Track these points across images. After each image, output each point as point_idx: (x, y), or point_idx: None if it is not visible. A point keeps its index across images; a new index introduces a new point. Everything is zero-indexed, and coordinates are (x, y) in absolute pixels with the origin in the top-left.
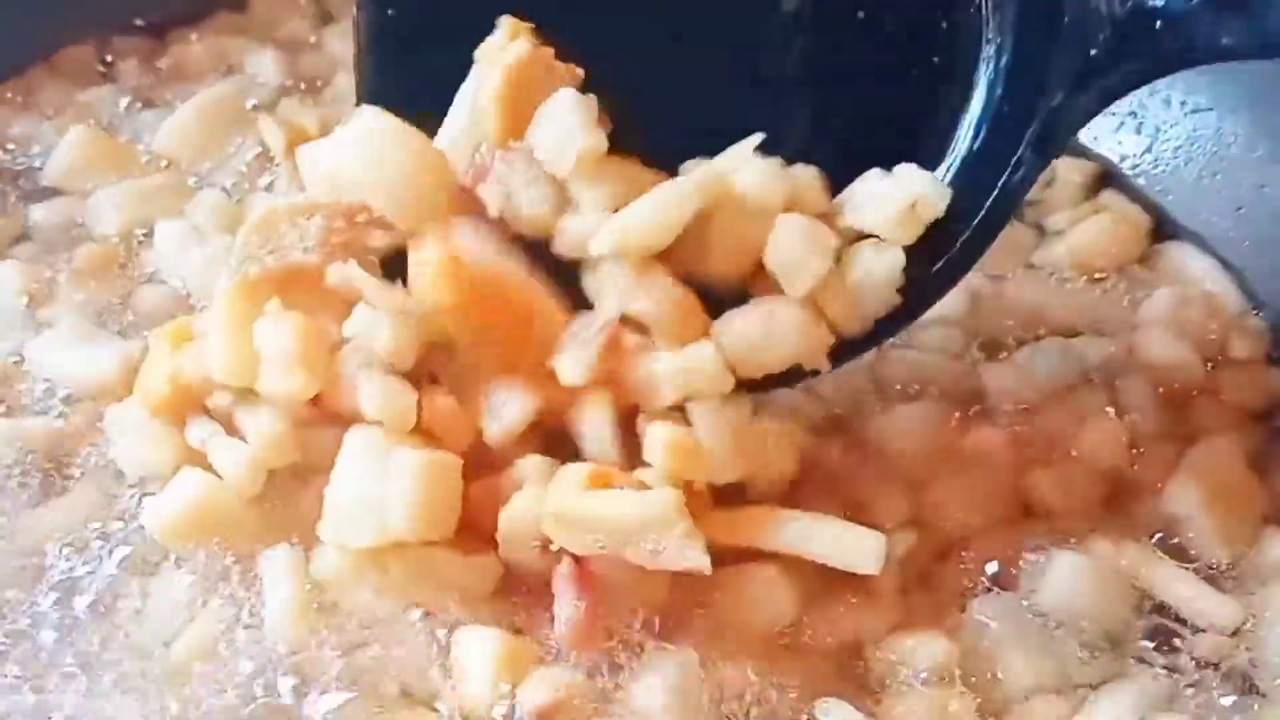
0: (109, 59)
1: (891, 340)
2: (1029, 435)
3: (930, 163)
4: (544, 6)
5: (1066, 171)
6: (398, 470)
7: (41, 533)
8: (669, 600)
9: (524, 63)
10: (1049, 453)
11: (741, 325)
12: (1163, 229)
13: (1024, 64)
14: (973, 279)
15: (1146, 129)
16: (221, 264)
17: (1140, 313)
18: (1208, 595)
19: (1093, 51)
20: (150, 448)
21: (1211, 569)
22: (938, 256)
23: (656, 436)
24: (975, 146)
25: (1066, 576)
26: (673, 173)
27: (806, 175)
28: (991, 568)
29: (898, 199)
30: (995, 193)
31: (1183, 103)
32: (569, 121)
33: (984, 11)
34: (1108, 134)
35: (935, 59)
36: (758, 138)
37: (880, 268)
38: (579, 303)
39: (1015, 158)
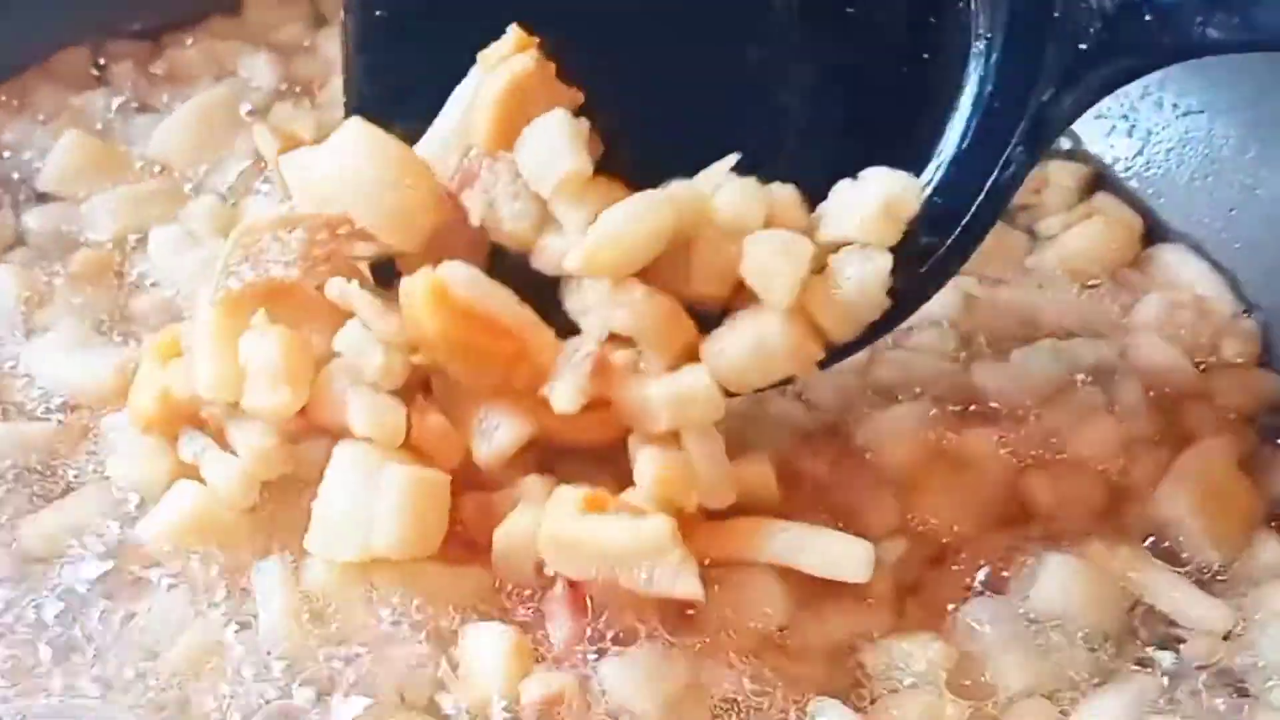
0: (103, 63)
1: (884, 343)
2: (1022, 438)
3: (920, 161)
4: (535, 18)
5: (1058, 175)
6: (386, 487)
7: (36, 539)
8: (663, 601)
9: (527, 74)
10: (1042, 456)
11: (732, 345)
12: (1155, 232)
13: (1014, 59)
14: (966, 282)
15: (1138, 132)
16: (210, 263)
17: (1132, 316)
18: (1199, 599)
19: (1083, 46)
20: (143, 464)
21: (1203, 572)
22: (928, 255)
23: (647, 464)
24: (965, 143)
25: (1058, 580)
26: None
27: (784, 193)
28: (984, 571)
29: (870, 202)
30: (986, 189)
31: (1174, 105)
32: (556, 142)
33: (973, 7)
34: (1100, 137)
35: (924, 55)
36: (734, 158)
37: (868, 272)
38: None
39: (1006, 154)
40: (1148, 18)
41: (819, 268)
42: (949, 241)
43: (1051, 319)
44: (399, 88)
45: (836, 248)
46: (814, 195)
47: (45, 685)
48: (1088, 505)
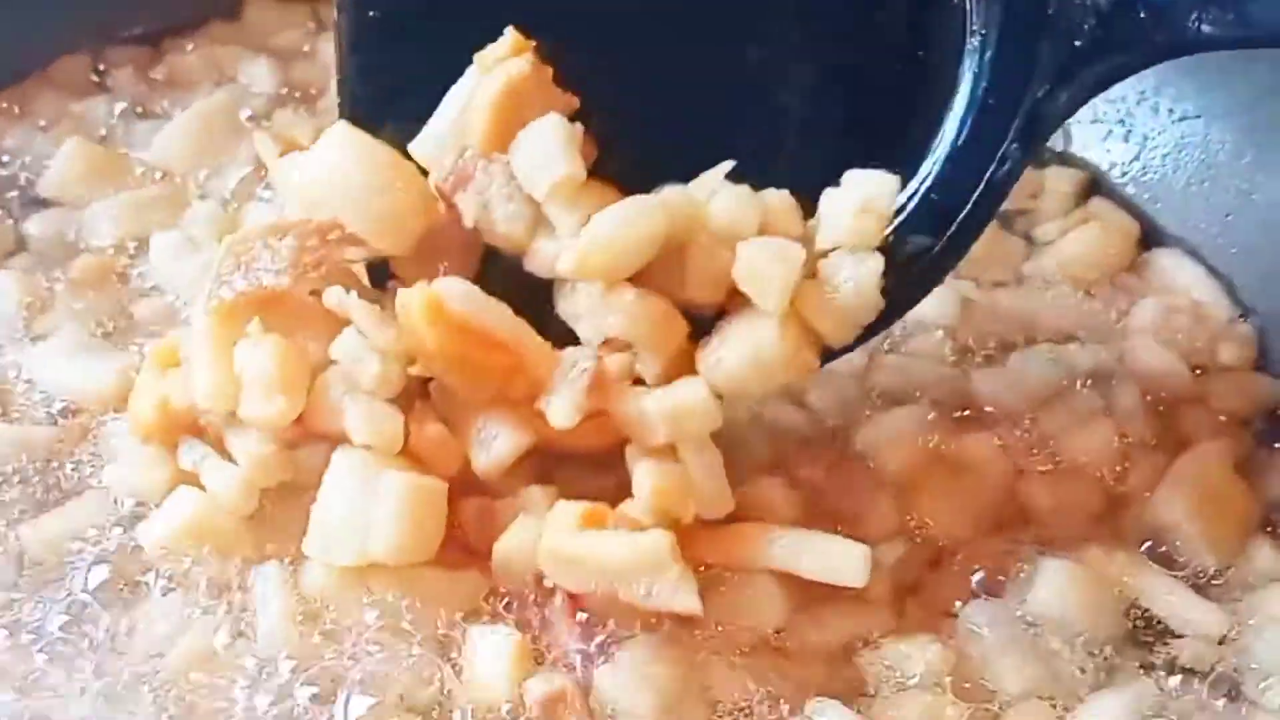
0: (103, 69)
1: (882, 348)
2: (1019, 443)
3: (915, 158)
4: (530, 20)
5: (1055, 181)
6: (384, 493)
7: (37, 544)
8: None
9: (523, 78)
10: (1039, 460)
11: (728, 356)
12: (1151, 236)
13: (1009, 57)
14: (964, 287)
15: (1135, 137)
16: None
17: (1129, 321)
18: (1195, 603)
19: (1078, 43)
20: (142, 472)
21: (1199, 576)
22: (925, 251)
23: (644, 477)
24: (961, 140)
25: (1056, 583)
26: None
27: (778, 200)
28: (982, 575)
29: (849, 206)
30: (981, 186)
31: (1170, 110)
32: (550, 146)
33: (968, 4)
34: (1096, 142)
35: (919, 53)
36: (728, 164)
37: (861, 275)
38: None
39: (1001, 151)
40: (1142, 15)
41: (811, 273)
42: (945, 238)
43: (1049, 324)
44: (393, 88)
45: (827, 253)
46: (811, 195)
47: (46, 689)
48: (1085, 509)
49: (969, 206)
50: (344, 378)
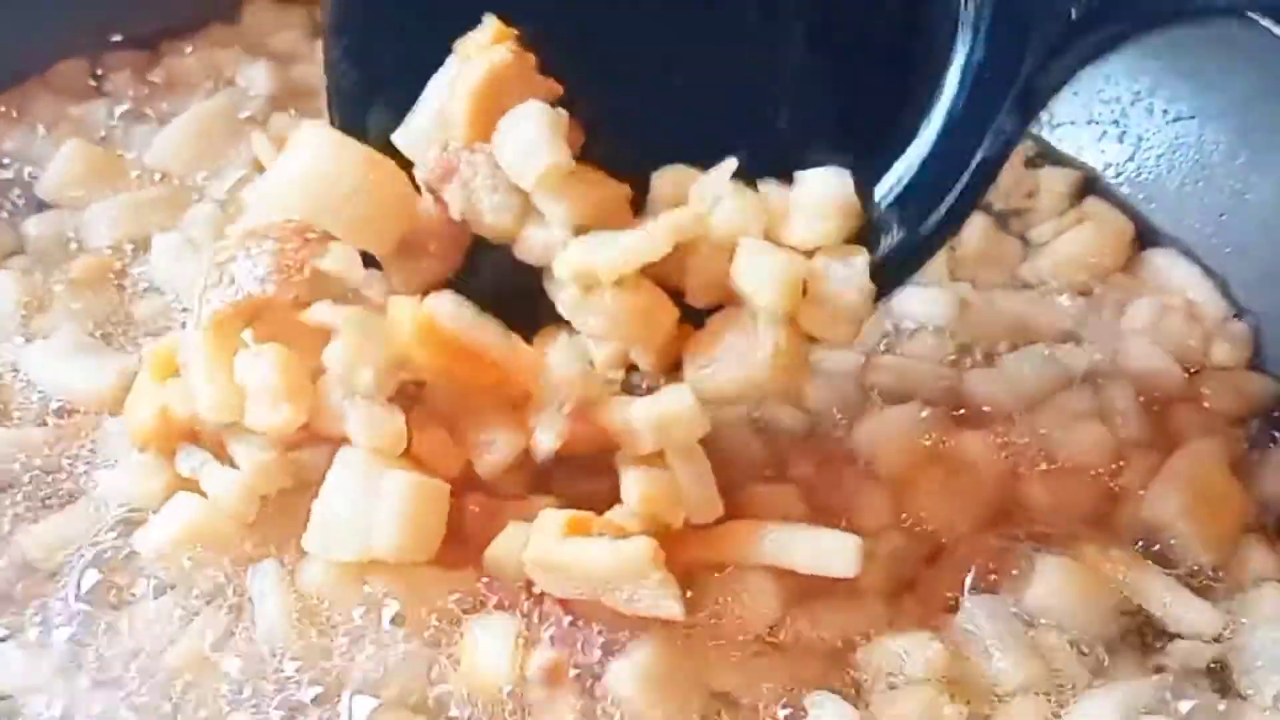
0: (101, 73)
1: (878, 348)
2: (1015, 442)
3: (909, 132)
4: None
5: (1050, 181)
6: (387, 492)
7: (34, 545)
8: None
9: (505, 65)
10: (1035, 459)
11: (721, 369)
12: (1146, 236)
13: (1004, 29)
14: (960, 288)
15: (1129, 137)
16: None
17: (1123, 321)
18: (1190, 601)
19: (1074, 14)
20: (140, 480)
21: (1193, 574)
22: (921, 221)
23: (633, 485)
24: (955, 114)
25: (1053, 581)
26: (643, 179)
27: (779, 198)
28: (978, 571)
29: (816, 210)
30: (977, 158)
31: (1165, 111)
32: (535, 134)
33: None
34: (1091, 142)
35: (912, 26)
36: (732, 164)
37: (851, 275)
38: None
39: (996, 123)
40: None
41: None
42: (943, 210)
43: (1044, 324)
44: (379, 75)
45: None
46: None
47: (44, 690)
48: (1080, 507)
49: (964, 179)
50: (341, 381)
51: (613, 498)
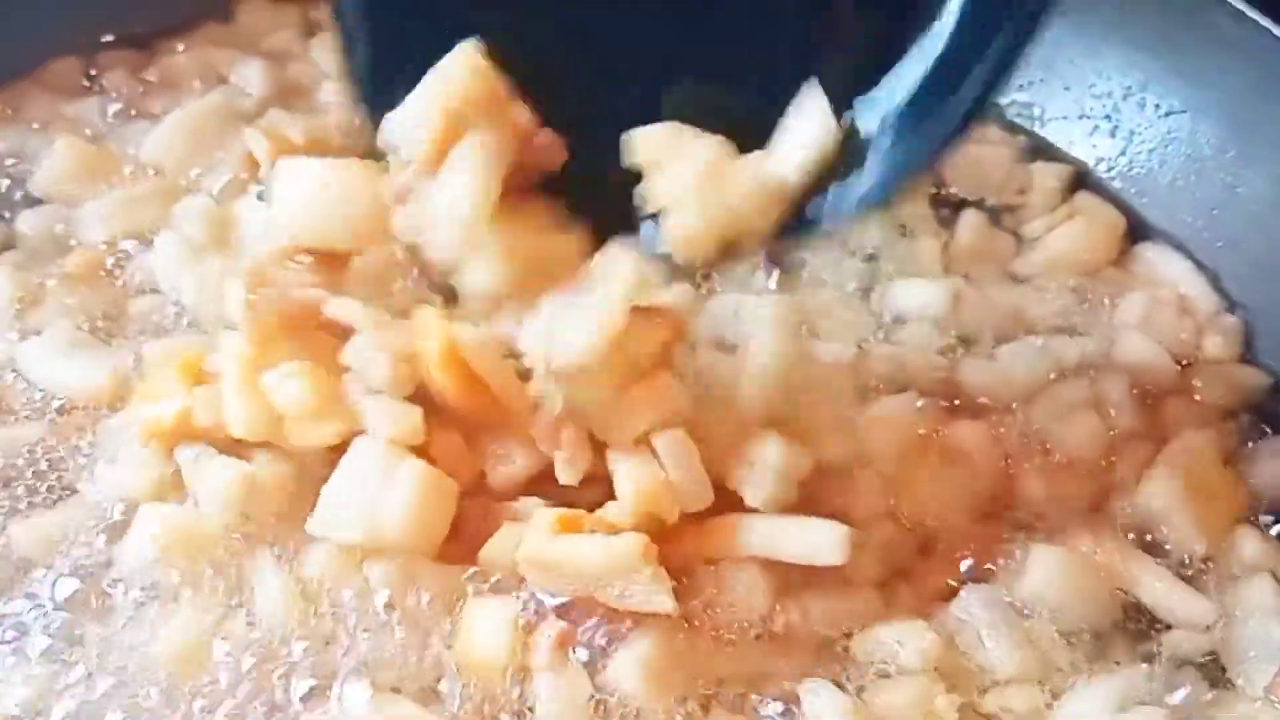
0: (94, 71)
1: (872, 338)
2: (1009, 433)
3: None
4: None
5: (1042, 176)
6: (401, 480)
7: (27, 541)
8: None
9: (474, 91)
10: (1028, 450)
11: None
12: (1138, 231)
13: None
14: (954, 282)
15: (1121, 132)
16: (211, 276)
17: (1116, 315)
18: (1182, 591)
19: None
20: (138, 473)
21: (1185, 565)
22: (954, 90)
23: (626, 481)
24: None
25: (1046, 570)
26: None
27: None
28: (972, 561)
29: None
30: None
31: (1157, 106)
32: (467, 175)
33: None
34: (1082, 137)
35: None
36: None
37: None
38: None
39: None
40: None
41: None
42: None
43: (1037, 317)
44: (391, 53)
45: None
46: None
47: (39, 684)
48: (1074, 498)
49: (985, 69)
50: (360, 379)
51: (606, 498)
